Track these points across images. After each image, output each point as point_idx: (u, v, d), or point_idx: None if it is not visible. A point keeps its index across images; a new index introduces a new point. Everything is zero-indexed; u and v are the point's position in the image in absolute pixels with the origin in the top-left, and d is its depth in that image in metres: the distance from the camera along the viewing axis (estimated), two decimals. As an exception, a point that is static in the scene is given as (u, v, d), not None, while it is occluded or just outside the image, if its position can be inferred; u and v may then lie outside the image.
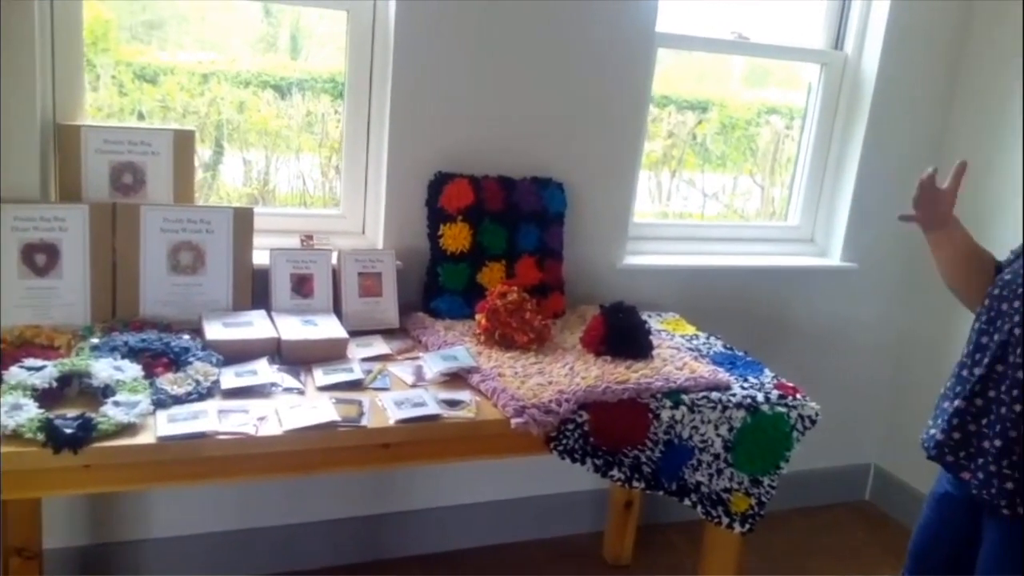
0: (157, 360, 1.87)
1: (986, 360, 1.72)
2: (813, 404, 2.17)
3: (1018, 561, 1.65)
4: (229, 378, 1.86)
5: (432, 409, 1.85)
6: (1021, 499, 1.66)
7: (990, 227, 2.90)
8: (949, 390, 1.82)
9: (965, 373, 1.78)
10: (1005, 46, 2.87)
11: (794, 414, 2.14)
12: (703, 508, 2.12)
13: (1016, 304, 1.68)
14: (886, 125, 2.98)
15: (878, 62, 2.92)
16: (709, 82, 3.13)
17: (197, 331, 2.04)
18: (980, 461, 1.72)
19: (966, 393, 1.75)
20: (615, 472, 2.00)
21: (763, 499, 2.16)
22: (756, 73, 3.20)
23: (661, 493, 2.08)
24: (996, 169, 2.91)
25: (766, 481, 2.15)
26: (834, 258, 3.10)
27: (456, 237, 2.41)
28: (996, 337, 1.71)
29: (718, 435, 2.08)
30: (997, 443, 1.68)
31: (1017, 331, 1.66)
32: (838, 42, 3.01)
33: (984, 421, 1.72)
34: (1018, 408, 1.65)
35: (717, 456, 2.09)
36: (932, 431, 1.83)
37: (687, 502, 2.11)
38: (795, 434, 2.14)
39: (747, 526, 2.16)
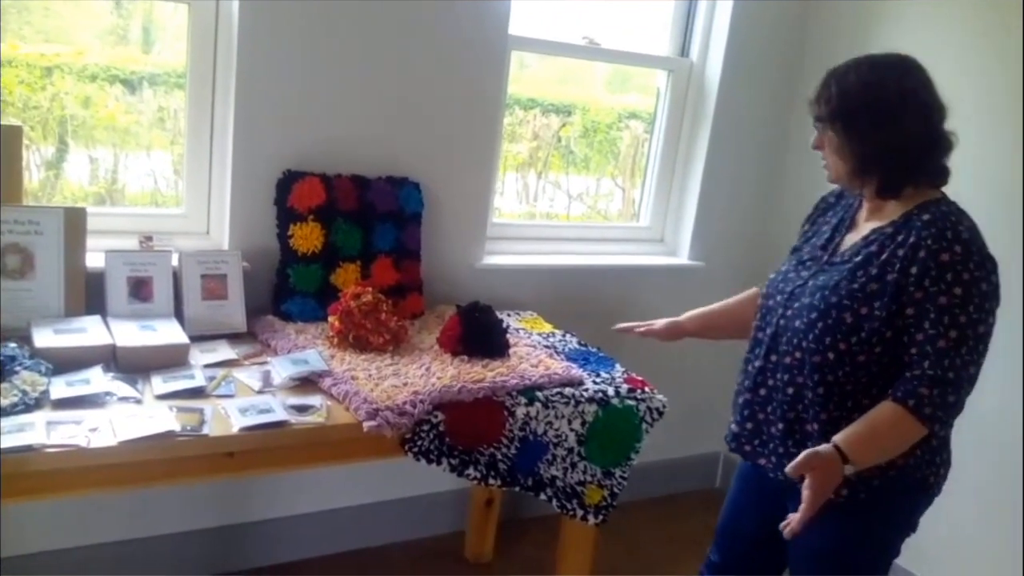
0: (-21, 371, 1.75)
1: (762, 352, 1.86)
2: (661, 397, 2.25)
3: (826, 535, 1.76)
4: (60, 388, 1.76)
5: (279, 415, 1.81)
6: None
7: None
8: (739, 385, 1.95)
9: (749, 368, 1.91)
10: (838, 54, 3.05)
11: (643, 407, 2.21)
12: (558, 502, 2.16)
13: (779, 298, 1.84)
14: (729, 129, 3.13)
15: (720, 69, 3.05)
16: (573, 86, 3.20)
17: (26, 339, 1.91)
18: (771, 446, 1.85)
19: (750, 384, 1.89)
20: (471, 471, 2.01)
21: (615, 490, 2.22)
22: (617, 78, 3.29)
23: (517, 489, 2.11)
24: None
25: (618, 472, 2.22)
26: (682, 257, 3.23)
27: (307, 237, 2.36)
28: (767, 331, 1.85)
29: (571, 430, 2.12)
30: (780, 426, 1.81)
31: (783, 321, 1.80)
32: (684, 50, 3.13)
33: (768, 408, 1.85)
34: (790, 391, 1.78)
35: (571, 450, 2.14)
36: (734, 427, 1.94)
37: (543, 496, 2.14)
38: (644, 426, 2.22)
39: (600, 517, 2.21)
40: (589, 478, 2.19)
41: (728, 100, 3.09)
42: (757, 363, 1.86)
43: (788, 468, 1.61)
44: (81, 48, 2.35)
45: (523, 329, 2.60)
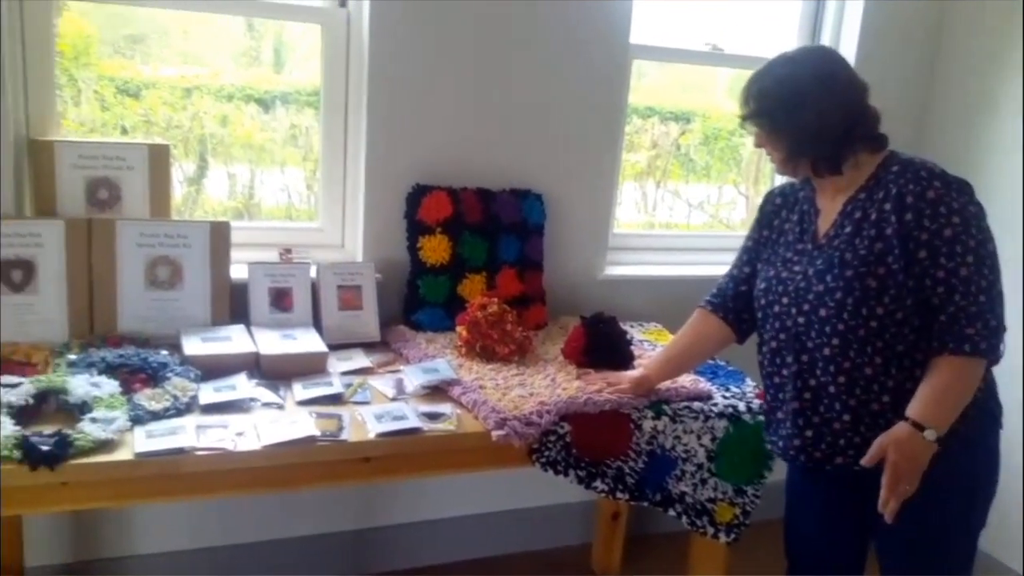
0: (135, 376, 1.86)
1: (789, 358, 1.83)
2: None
3: (917, 521, 1.73)
4: (208, 393, 1.84)
5: (413, 422, 1.84)
6: None
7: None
8: (773, 401, 1.91)
9: (777, 380, 1.88)
10: (980, 45, 2.90)
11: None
12: (688, 518, 2.11)
13: (785, 301, 1.83)
14: (863, 134, 3.00)
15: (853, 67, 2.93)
16: (692, 93, 3.15)
17: (175, 346, 2.02)
18: (842, 442, 1.79)
19: (793, 394, 1.84)
20: (598, 483, 1.99)
21: (748, 508, 2.15)
22: (739, 84, 3.19)
23: (646, 504, 2.07)
24: (978, 166, 2.92)
25: (750, 490, 2.15)
26: (814, 266, 3.11)
27: (436, 249, 2.41)
28: (782, 336, 1.83)
29: (701, 445, 2.07)
30: (846, 418, 1.77)
31: (801, 319, 1.79)
32: (814, 52, 3.03)
33: (821, 408, 1.80)
34: (842, 380, 1.76)
35: (700, 466, 2.09)
36: (794, 441, 1.86)
37: (672, 512, 2.10)
38: None
39: (732, 535, 2.15)
40: (720, 495, 2.13)
41: (861, 101, 2.96)
42: (788, 371, 1.84)
43: (863, 460, 1.67)
44: (217, 69, 2.47)
45: (647, 341, 2.56)
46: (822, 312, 1.76)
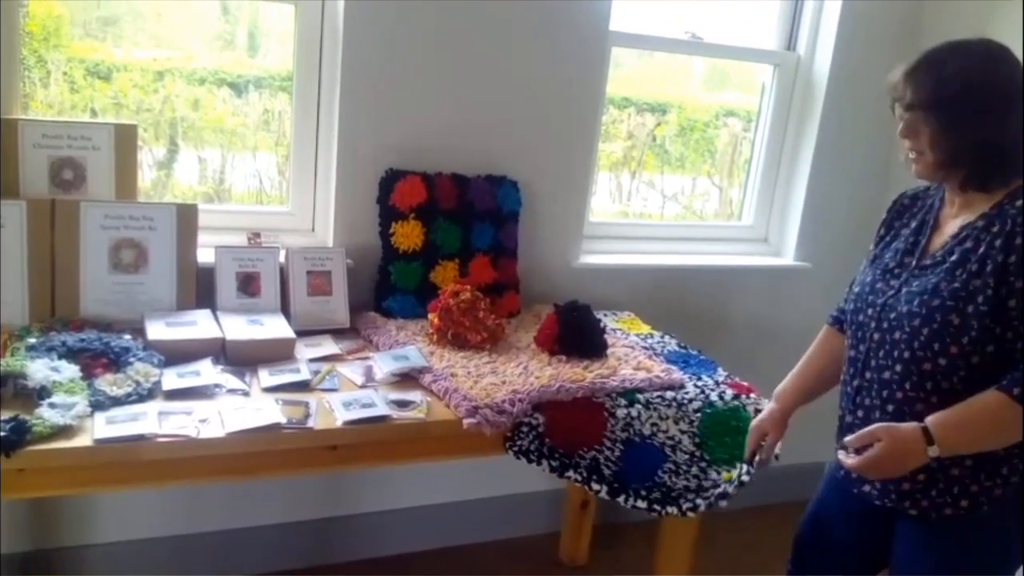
0: (96, 361, 1.81)
1: (857, 371, 1.74)
2: (767, 402, 2.16)
3: (937, 561, 1.67)
4: (171, 379, 1.81)
5: (381, 410, 1.82)
6: (923, 496, 1.65)
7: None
8: (841, 408, 1.81)
9: (848, 389, 1.78)
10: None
11: (751, 409, 2.13)
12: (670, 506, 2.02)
13: (871, 312, 1.71)
14: (838, 125, 3.01)
15: (830, 62, 2.94)
16: (668, 85, 3.14)
17: (139, 331, 1.98)
18: None
19: (849, 406, 1.77)
20: (571, 473, 1.96)
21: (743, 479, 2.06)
22: (715, 76, 3.21)
23: (624, 500, 1.97)
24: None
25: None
26: (787, 258, 3.13)
27: (408, 235, 2.38)
28: (861, 348, 1.73)
29: (682, 432, 2.05)
30: None
31: (877, 336, 1.68)
32: (791, 43, 3.03)
33: None
34: (890, 409, 1.65)
35: (692, 455, 2.05)
36: (837, 450, 1.78)
37: (655, 507, 1.99)
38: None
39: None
40: (716, 474, 2.05)
41: (838, 94, 2.97)
42: (854, 383, 1.74)
43: (847, 439, 1.58)
44: (190, 53, 2.42)
45: (620, 330, 2.55)
46: (896, 335, 1.63)
